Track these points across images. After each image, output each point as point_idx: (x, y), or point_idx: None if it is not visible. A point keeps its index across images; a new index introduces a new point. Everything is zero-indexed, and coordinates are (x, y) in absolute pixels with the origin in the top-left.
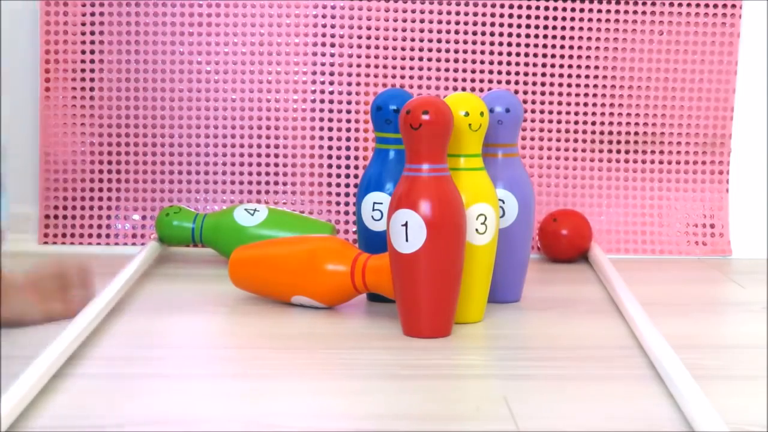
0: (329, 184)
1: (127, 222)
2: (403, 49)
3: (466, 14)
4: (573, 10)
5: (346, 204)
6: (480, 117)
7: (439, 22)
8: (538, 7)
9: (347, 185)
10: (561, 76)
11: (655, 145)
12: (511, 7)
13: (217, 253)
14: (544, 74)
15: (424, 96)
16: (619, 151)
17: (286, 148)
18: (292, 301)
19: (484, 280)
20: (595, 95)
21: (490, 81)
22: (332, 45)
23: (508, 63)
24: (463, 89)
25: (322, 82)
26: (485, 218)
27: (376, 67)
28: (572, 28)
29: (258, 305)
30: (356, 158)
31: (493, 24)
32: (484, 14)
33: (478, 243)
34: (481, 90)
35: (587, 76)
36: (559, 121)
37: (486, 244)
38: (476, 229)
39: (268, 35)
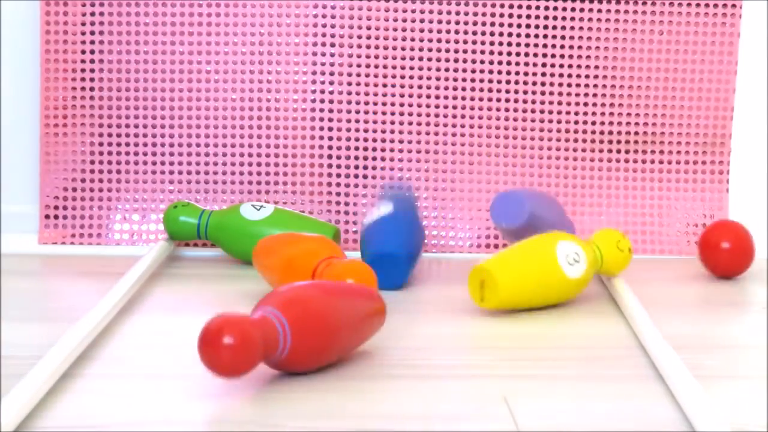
0: (329, 184)
1: (127, 222)
2: (403, 49)
3: (466, 14)
4: (573, 10)
5: (346, 204)
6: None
7: (439, 22)
8: (538, 7)
9: (347, 185)
10: (561, 76)
11: (655, 145)
12: (511, 7)
13: (222, 250)
14: (544, 74)
15: None
16: (619, 151)
17: (286, 147)
18: None
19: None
20: (595, 95)
21: (490, 81)
22: (332, 45)
23: (508, 63)
24: (463, 89)
25: (322, 82)
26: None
27: (376, 67)
28: (572, 28)
29: None
30: (356, 158)
31: (493, 24)
32: (484, 14)
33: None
34: (482, 90)
35: (587, 76)
36: (559, 121)
37: (578, 278)
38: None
39: (268, 35)
